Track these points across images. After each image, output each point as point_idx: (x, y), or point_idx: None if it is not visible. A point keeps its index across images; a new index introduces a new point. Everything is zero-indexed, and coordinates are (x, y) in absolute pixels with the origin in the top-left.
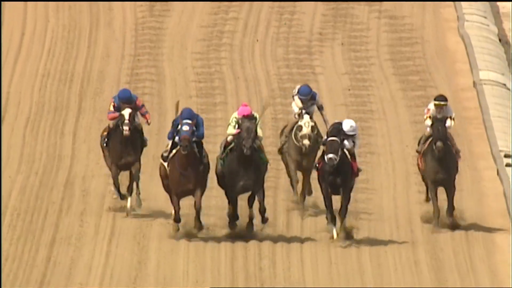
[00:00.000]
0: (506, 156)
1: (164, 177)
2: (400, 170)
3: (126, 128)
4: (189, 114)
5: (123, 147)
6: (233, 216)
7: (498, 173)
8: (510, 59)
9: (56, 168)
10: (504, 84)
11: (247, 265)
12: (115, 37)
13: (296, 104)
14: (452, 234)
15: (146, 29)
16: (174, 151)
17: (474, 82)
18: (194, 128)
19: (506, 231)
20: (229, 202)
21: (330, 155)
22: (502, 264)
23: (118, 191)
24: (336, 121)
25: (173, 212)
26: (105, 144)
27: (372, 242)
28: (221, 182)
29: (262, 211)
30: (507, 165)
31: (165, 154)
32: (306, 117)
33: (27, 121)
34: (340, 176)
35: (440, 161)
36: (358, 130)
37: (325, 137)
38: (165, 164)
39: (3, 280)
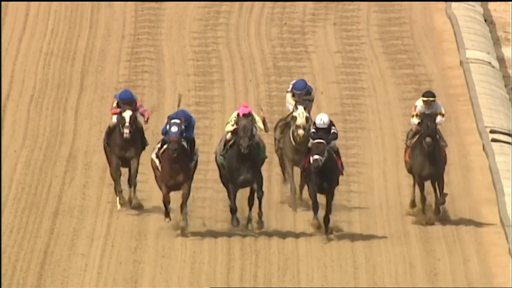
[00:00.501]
0: (491, 131)
1: (155, 169)
2: (389, 145)
3: (126, 131)
4: (180, 115)
5: (123, 142)
6: (233, 209)
7: (483, 148)
8: (495, 38)
9: (59, 143)
10: (489, 63)
11: (243, 258)
12: (115, 17)
13: (288, 101)
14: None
15: (146, 9)
16: (165, 146)
17: (460, 61)
18: (183, 127)
19: (491, 203)
20: (229, 196)
21: (316, 156)
22: (487, 234)
23: (117, 186)
24: (320, 119)
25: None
26: (106, 144)
27: (362, 214)
28: (222, 177)
29: (260, 208)
30: (493, 140)
31: (156, 151)
32: (300, 107)
33: (31, 98)
34: (326, 175)
35: (429, 156)
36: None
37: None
38: (157, 161)
39: (8, 250)
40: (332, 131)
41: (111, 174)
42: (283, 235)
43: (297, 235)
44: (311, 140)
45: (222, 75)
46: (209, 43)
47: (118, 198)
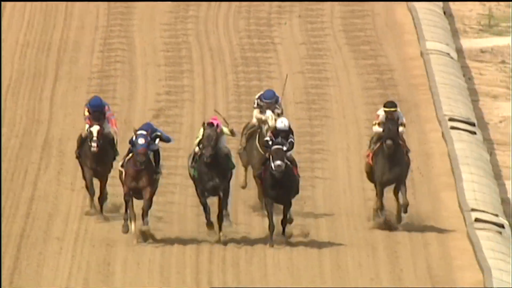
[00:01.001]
0: (450, 119)
1: (123, 183)
2: (352, 132)
3: (94, 145)
4: (147, 127)
5: (92, 157)
6: (208, 223)
7: (443, 135)
8: (454, 30)
9: (35, 131)
10: (448, 54)
11: (211, 260)
12: (89, 10)
13: (256, 117)
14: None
15: (118, 2)
16: (130, 155)
17: (421, 52)
18: (149, 138)
19: (450, 189)
20: (204, 210)
21: (278, 162)
22: (446, 219)
23: (91, 190)
24: (281, 122)
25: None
26: (77, 155)
27: (327, 198)
28: (196, 187)
29: (225, 215)
30: (452, 128)
31: (122, 162)
32: (269, 111)
33: (8, 88)
34: (284, 186)
35: (390, 161)
36: (294, 130)
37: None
38: (122, 170)
39: None
40: (290, 139)
41: (84, 179)
42: (250, 222)
43: (264, 223)
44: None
45: (191, 66)
46: (179, 35)
47: (90, 202)
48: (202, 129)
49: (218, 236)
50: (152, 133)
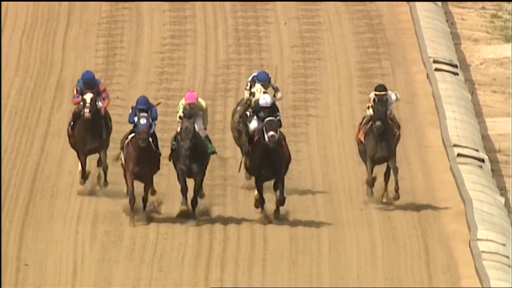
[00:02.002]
0: (434, 61)
1: (126, 167)
2: (343, 74)
3: (87, 110)
4: (145, 104)
5: (87, 133)
6: (184, 196)
7: (428, 77)
8: None
9: (48, 72)
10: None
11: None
12: None
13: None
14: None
15: None
16: (129, 137)
17: None
18: (151, 120)
19: (434, 126)
20: (182, 191)
21: (271, 133)
22: (431, 154)
23: (83, 174)
24: (263, 96)
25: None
26: (70, 129)
27: (319, 135)
28: (175, 167)
29: (199, 196)
30: (436, 69)
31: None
32: (257, 85)
33: (23, 33)
34: (272, 164)
35: (380, 140)
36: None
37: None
38: (121, 152)
39: (3, 168)
40: (278, 117)
41: (79, 157)
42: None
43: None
44: (252, 123)
45: (194, 11)
46: None
47: (81, 173)
48: (181, 103)
49: (194, 217)
50: (152, 115)
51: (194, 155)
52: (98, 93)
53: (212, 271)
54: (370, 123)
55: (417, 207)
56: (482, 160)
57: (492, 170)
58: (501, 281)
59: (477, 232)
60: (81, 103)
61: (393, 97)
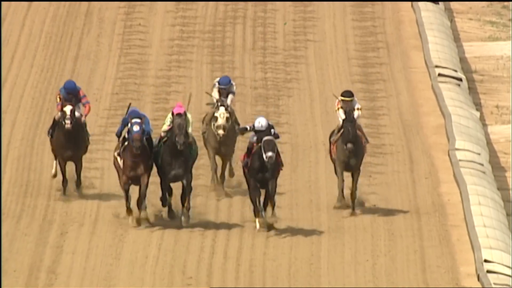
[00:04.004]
0: None
1: (118, 168)
2: (339, 3)
3: (68, 121)
4: (137, 113)
5: (66, 141)
6: (165, 199)
7: (412, 5)
8: None
9: (79, 1)
10: None
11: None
12: None
13: (214, 96)
14: (374, 47)
15: None
16: (126, 143)
17: None
18: (143, 126)
19: (418, 49)
20: (162, 189)
21: (270, 153)
22: (414, 73)
23: (64, 180)
24: (259, 119)
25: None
26: (50, 136)
27: (317, 57)
28: (158, 171)
29: (187, 199)
30: None
31: (118, 151)
32: (222, 108)
33: None
34: (268, 172)
35: (349, 154)
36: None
37: (244, 127)
38: (118, 158)
39: (39, 86)
40: (273, 131)
41: (59, 163)
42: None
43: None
44: (252, 138)
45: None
46: None
47: (62, 181)
48: (169, 116)
49: (183, 219)
50: (144, 121)
51: (180, 160)
52: (78, 98)
53: (214, 273)
54: (339, 134)
55: (403, 120)
56: (460, 79)
57: (468, 88)
58: (476, 185)
59: (455, 142)
60: (61, 115)
61: (356, 113)
